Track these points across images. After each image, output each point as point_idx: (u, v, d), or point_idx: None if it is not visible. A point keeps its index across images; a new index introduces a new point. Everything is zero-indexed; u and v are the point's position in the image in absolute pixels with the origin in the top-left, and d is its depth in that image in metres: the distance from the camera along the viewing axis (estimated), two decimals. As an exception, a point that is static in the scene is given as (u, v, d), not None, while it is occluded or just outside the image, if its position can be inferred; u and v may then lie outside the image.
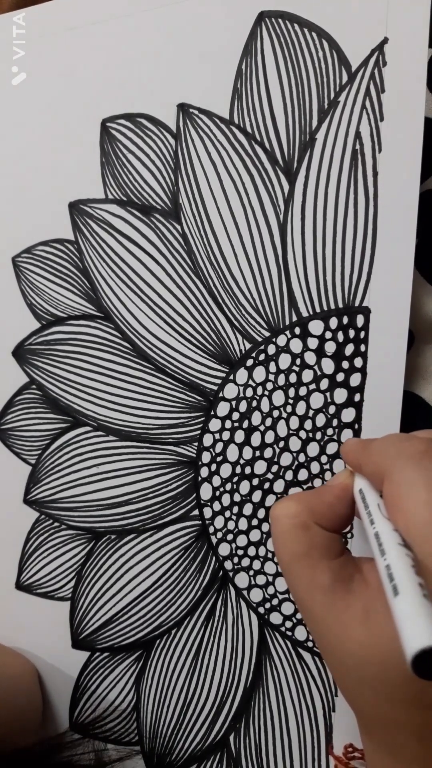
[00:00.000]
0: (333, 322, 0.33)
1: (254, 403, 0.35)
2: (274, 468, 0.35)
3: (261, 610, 0.36)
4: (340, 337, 0.33)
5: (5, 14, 0.39)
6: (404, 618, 0.17)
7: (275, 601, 0.36)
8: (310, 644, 0.35)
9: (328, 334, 0.33)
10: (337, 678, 0.24)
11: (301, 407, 0.34)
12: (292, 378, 0.34)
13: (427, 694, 0.21)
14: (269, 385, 0.35)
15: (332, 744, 0.34)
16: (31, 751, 0.35)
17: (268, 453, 0.35)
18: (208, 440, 0.37)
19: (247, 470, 0.36)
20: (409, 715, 0.22)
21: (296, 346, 0.34)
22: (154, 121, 0.36)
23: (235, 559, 0.36)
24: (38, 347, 0.41)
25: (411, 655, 0.16)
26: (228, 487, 0.36)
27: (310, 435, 0.34)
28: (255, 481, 0.35)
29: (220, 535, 0.37)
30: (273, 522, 0.25)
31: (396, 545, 0.20)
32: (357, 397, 0.33)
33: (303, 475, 0.34)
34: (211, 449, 0.36)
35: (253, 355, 0.35)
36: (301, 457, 0.34)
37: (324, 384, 0.33)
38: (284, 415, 0.34)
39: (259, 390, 0.35)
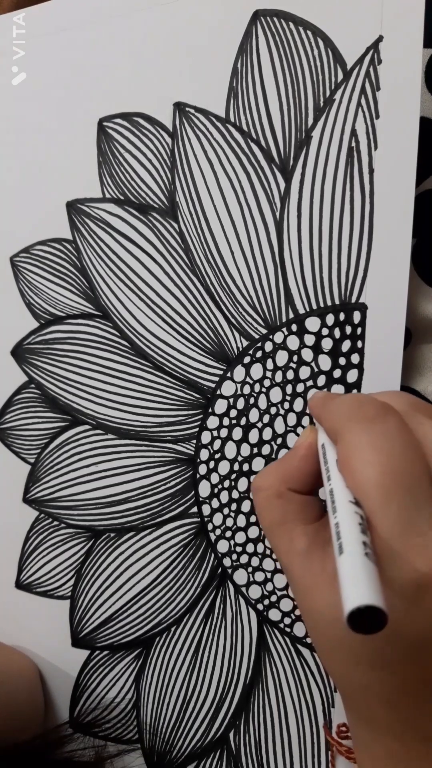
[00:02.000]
0: (330, 319, 0.33)
1: (252, 400, 0.35)
2: (272, 465, 0.35)
3: (260, 606, 0.36)
4: (337, 333, 0.33)
5: (5, 14, 0.39)
6: (344, 577, 0.18)
7: (274, 598, 0.36)
8: (308, 640, 0.35)
9: (325, 331, 0.33)
10: (314, 643, 0.24)
11: (298, 404, 0.34)
12: (290, 375, 0.34)
13: (387, 653, 0.21)
14: (266, 382, 0.35)
15: (326, 725, 0.34)
16: (31, 746, 0.35)
17: (265, 450, 0.35)
18: (206, 437, 0.37)
19: (245, 467, 0.36)
20: (375, 678, 0.22)
21: (293, 343, 0.34)
22: (151, 120, 0.36)
23: (234, 556, 0.36)
24: (37, 346, 0.41)
25: (346, 613, 0.17)
26: (226, 484, 0.36)
27: (308, 431, 0.34)
28: (253, 478, 0.35)
29: (218, 532, 0.37)
30: (253, 495, 0.26)
31: (347, 502, 0.21)
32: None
33: (301, 471, 0.34)
34: (210, 446, 0.37)
35: (251, 352, 0.35)
36: (299, 454, 0.34)
37: (321, 380, 0.33)
38: (282, 412, 0.35)
39: (257, 387, 0.35)
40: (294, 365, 0.34)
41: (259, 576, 0.36)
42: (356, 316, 0.32)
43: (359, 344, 0.32)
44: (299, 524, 0.24)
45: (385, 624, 0.17)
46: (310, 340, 0.34)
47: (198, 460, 0.37)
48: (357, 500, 0.21)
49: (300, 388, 0.34)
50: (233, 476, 0.36)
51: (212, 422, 0.37)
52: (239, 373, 0.36)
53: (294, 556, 0.23)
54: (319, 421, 0.26)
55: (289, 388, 0.34)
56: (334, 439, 0.24)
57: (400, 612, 0.20)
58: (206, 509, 0.37)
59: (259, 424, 0.35)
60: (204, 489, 0.37)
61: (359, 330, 0.32)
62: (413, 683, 0.22)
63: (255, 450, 0.35)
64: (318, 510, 0.25)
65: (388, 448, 0.21)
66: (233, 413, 0.36)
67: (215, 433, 0.36)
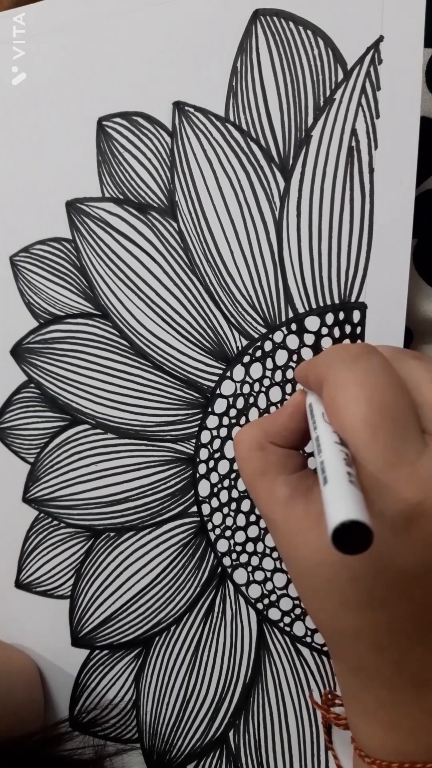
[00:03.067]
0: (329, 318, 0.33)
1: (251, 400, 0.35)
2: (272, 464, 0.35)
3: (260, 606, 0.36)
4: (337, 332, 0.33)
5: (5, 12, 0.39)
6: (329, 501, 0.18)
7: (274, 597, 0.36)
8: (308, 640, 0.35)
9: (325, 330, 0.33)
10: (298, 589, 0.24)
11: (298, 403, 0.34)
12: (289, 374, 0.34)
13: (377, 590, 0.21)
14: (266, 382, 0.35)
15: (311, 692, 0.34)
16: (30, 742, 0.35)
17: (265, 449, 0.35)
18: (205, 437, 0.37)
19: (245, 467, 0.36)
20: (363, 619, 0.22)
21: (293, 342, 0.34)
22: (150, 119, 0.36)
23: (234, 556, 0.37)
24: (36, 346, 0.41)
25: (330, 530, 0.17)
26: (226, 483, 0.36)
27: (308, 431, 0.34)
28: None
29: (218, 531, 0.37)
30: (234, 447, 0.26)
31: (332, 443, 0.21)
32: (354, 393, 0.33)
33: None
34: (209, 446, 0.37)
35: (250, 351, 0.35)
36: (299, 453, 0.34)
37: (321, 380, 0.33)
38: (281, 411, 0.35)
39: (256, 386, 0.35)
40: (294, 364, 0.34)
41: (259, 575, 0.36)
42: (356, 315, 0.32)
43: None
44: (280, 474, 0.24)
45: (371, 543, 0.17)
46: (309, 339, 0.34)
47: (197, 460, 0.37)
48: (342, 440, 0.21)
49: (299, 387, 0.34)
50: (233, 475, 0.36)
51: (212, 421, 0.37)
52: (239, 372, 0.36)
53: (276, 504, 0.23)
54: (305, 382, 0.26)
55: (288, 388, 0.34)
56: (320, 388, 0.23)
57: (389, 545, 0.20)
58: (206, 508, 0.37)
59: (259, 424, 0.35)
60: (204, 488, 0.37)
61: (359, 329, 0.32)
62: (402, 622, 0.21)
63: (255, 449, 0.35)
64: (300, 462, 0.25)
65: (373, 383, 0.21)
66: (233, 412, 0.36)
67: (215, 433, 0.36)
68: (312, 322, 0.33)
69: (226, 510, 0.37)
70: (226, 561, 0.37)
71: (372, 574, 0.20)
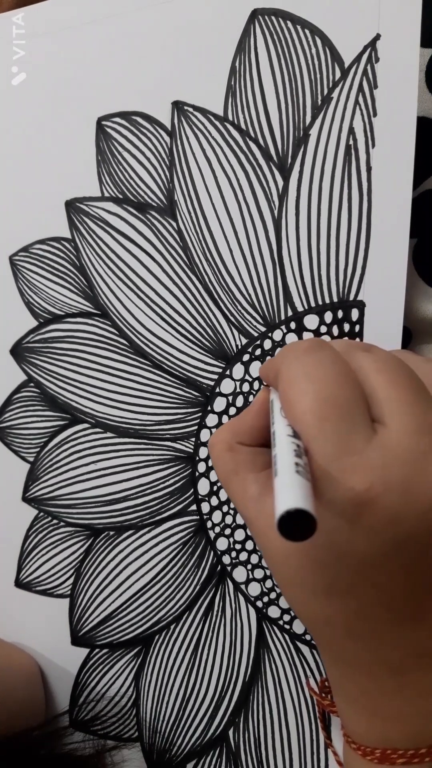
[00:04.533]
0: (328, 316, 0.33)
1: (251, 398, 0.35)
2: (271, 462, 0.35)
3: (259, 603, 0.36)
4: (335, 331, 0.33)
5: (5, 14, 0.39)
6: (276, 491, 0.19)
7: (273, 595, 0.36)
8: (307, 637, 0.35)
9: (324, 329, 0.33)
10: (276, 581, 0.25)
11: (297, 401, 0.34)
12: (288, 372, 0.34)
13: (341, 578, 0.22)
14: (265, 380, 0.35)
15: (308, 679, 0.35)
16: (29, 738, 0.35)
17: (264, 447, 0.35)
18: (205, 435, 0.37)
19: (244, 465, 0.36)
20: (333, 607, 0.22)
21: (292, 340, 0.34)
22: (149, 118, 0.36)
23: (233, 554, 0.37)
24: (36, 345, 0.41)
25: (276, 520, 0.17)
26: (225, 481, 0.36)
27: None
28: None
29: (218, 529, 0.37)
30: (209, 451, 0.27)
31: (285, 436, 0.21)
32: (352, 391, 0.33)
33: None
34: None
35: (249, 350, 0.35)
36: (298, 451, 0.34)
37: (320, 378, 0.33)
38: (280, 409, 0.35)
39: (256, 385, 0.35)
40: (292, 363, 0.34)
41: (259, 573, 0.36)
42: (354, 314, 0.32)
43: (357, 341, 0.32)
44: (250, 473, 0.25)
45: (314, 530, 0.17)
46: (308, 337, 0.34)
47: (197, 458, 0.37)
48: (295, 433, 0.21)
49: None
50: (232, 474, 0.36)
51: (211, 420, 0.37)
52: (238, 370, 0.36)
53: (248, 501, 0.24)
54: (266, 378, 0.27)
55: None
56: (276, 383, 0.24)
57: (343, 533, 0.20)
58: (205, 507, 0.37)
59: (258, 422, 0.35)
60: (203, 487, 0.37)
61: (357, 327, 0.32)
62: (374, 608, 0.22)
63: (254, 447, 0.35)
64: (266, 458, 0.26)
65: (321, 376, 0.22)
66: (232, 411, 0.36)
67: (214, 431, 0.36)
68: (311, 321, 0.34)
69: (225, 508, 0.37)
70: (226, 559, 0.37)
71: (333, 562, 0.21)
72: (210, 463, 0.37)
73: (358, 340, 0.26)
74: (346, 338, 0.26)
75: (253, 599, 0.36)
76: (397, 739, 0.24)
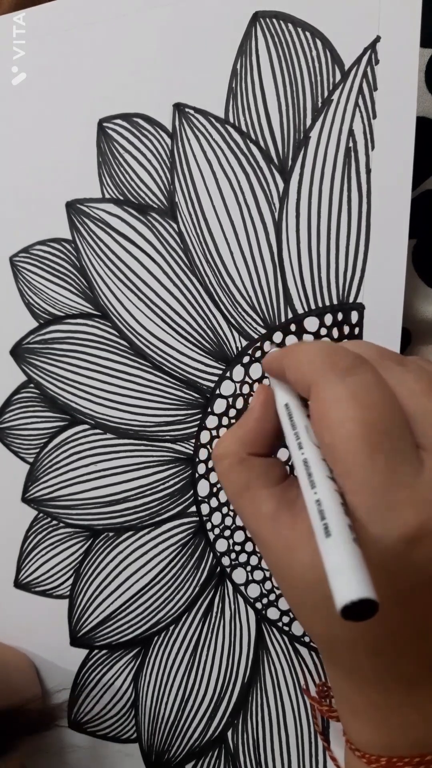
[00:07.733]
0: (328, 319, 0.33)
1: (251, 400, 0.35)
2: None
3: (258, 605, 0.36)
4: (335, 333, 0.33)
5: (5, 15, 0.39)
6: (333, 571, 0.17)
7: (272, 597, 0.36)
8: (306, 639, 0.35)
9: (323, 331, 0.33)
10: (292, 605, 0.23)
11: (297, 403, 0.34)
12: (288, 374, 0.34)
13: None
14: (266, 382, 0.35)
15: (306, 685, 0.34)
16: (30, 712, 0.35)
17: (264, 449, 0.35)
18: (205, 437, 0.37)
19: (244, 466, 0.36)
20: (363, 631, 0.21)
21: (292, 342, 0.34)
22: (150, 120, 0.36)
23: (233, 555, 0.37)
24: (36, 346, 0.41)
25: (339, 608, 0.16)
26: (225, 483, 0.36)
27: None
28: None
29: (217, 531, 0.37)
30: (215, 464, 0.25)
31: (325, 478, 0.20)
32: (352, 393, 0.33)
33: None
34: (208, 446, 0.37)
35: (250, 351, 0.35)
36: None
37: (319, 380, 0.33)
38: (280, 411, 0.35)
39: (256, 387, 0.35)
40: (292, 364, 0.34)
41: (258, 575, 0.36)
42: (354, 316, 0.32)
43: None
44: (264, 488, 0.23)
45: (377, 611, 0.16)
46: (309, 339, 0.34)
47: (197, 460, 0.37)
48: (332, 475, 0.20)
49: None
50: (232, 475, 0.36)
51: (211, 422, 0.37)
52: (238, 372, 0.36)
53: (262, 520, 0.23)
54: (280, 373, 0.25)
55: (287, 388, 0.34)
56: (304, 391, 0.22)
57: (388, 567, 0.19)
58: (205, 508, 0.37)
59: (258, 424, 0.35)
60: (203, 488, 0.37)
61: (357, 330, 0.32)
62: (401, 629, 0.21)
63: (253, 449, 0.35)
64: (280, 471, 0.25)
65: (369, 401, 0.20)
66: (232, 413, 0.36)
67: (214, 433, 0.37)
68: (311, 323, 0.34)
69: (225, 510, 0.37)
70: (225, 560, 0.37)
71: None
72: (210, 465, 0.37)
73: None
74: (373, 343, 0.24)
75: (252, 601, 0.36)
76: (402, 746, 0.23)
